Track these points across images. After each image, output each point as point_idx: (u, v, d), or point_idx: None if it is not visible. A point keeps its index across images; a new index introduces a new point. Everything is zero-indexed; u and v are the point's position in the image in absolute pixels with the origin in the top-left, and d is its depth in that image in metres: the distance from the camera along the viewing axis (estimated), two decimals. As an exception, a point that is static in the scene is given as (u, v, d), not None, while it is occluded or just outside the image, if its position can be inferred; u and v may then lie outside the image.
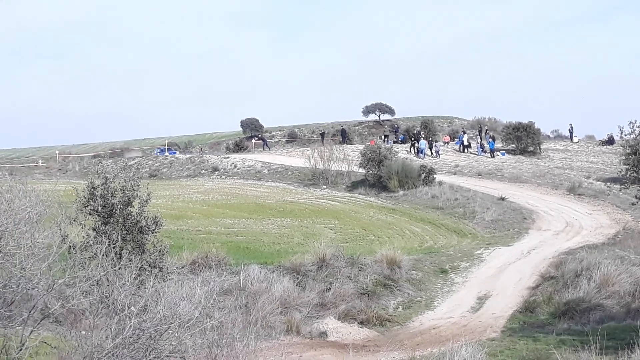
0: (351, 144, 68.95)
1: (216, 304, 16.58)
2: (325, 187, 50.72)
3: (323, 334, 21.24)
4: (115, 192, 19.56)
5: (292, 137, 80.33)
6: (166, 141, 79.42)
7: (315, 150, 54.99)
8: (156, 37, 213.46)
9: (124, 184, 19.66)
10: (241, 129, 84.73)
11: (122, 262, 12.79)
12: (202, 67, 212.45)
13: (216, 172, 60.87)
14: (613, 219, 39.68)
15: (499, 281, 27.71)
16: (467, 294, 26.59)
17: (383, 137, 72.23)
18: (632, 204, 37.03)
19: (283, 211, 41.79)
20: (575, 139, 71.93)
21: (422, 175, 47.19)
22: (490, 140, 63.46)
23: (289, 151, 70.68)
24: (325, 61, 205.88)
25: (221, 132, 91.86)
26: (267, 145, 74.52)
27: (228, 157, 65.16)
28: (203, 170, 62.21)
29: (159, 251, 19.74)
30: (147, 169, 64.37)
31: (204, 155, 67.68)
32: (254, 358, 11.25)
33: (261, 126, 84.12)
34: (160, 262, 19.57)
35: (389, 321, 23.47)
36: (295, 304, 23.03)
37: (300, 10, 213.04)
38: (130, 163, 67.29)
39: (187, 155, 68.77)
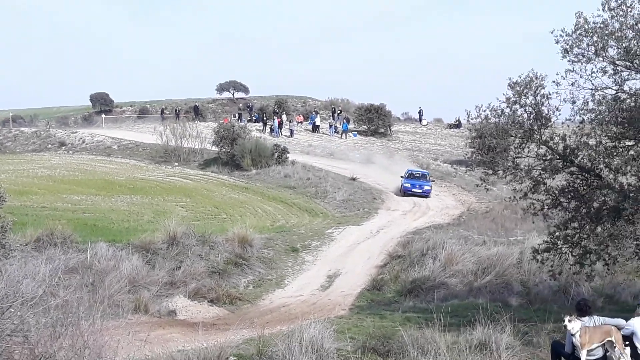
0: (204, 122, 68.28)
1: (61, 282, 16.09)
2: (177, 164, 50.13)
3: (172, 313, 20.99)
4: (-46, 165, 18.66)
5: (144, 113, 78.58)
6: (10, 114, 76.05)
7: (168, 127, 54.21)
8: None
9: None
10: (90, 104, 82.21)
11: (-40, 239, 12.21)
12: (52, 37, 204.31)
13: (63, 147, 59.08)
14: (458, 200, 41.12)
15: (349, 260, 28.20)
16: (318, 272, 26.94)
17: (237, 115, 71.88)
18: (477, 185, 38.07)
19: (133, 188, 41.01)
20: (424, 122, 73.79)
21: (276, 155, 47.41)
22: (344, 121, 64.36)
23: (140, 127, 69.37)
24: (179, 37, 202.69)
25: (69, 106, 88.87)
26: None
27: (76, 132, 63.30)
28: (49, 145, 60.27)
29: (1, 227, 18.99)
30: (-11, 142, 61.81)
31: (51, 129, 65.39)
32: (99, 337, 10.94)
33: (111, 101, 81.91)
34: (2, 239, 18.85)
35: (240, 299, 23.48)
36: (144, 282, 22.64)
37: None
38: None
39: (33, 129, 66.32)
